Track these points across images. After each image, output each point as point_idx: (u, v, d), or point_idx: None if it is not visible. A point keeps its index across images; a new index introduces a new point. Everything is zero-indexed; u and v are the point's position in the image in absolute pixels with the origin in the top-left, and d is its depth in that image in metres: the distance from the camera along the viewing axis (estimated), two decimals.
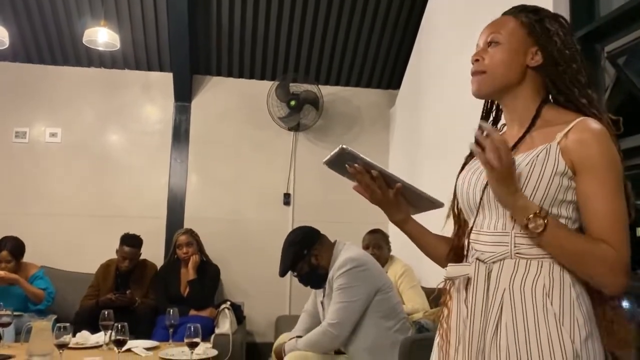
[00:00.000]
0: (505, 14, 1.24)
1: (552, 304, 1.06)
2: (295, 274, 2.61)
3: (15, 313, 3.02)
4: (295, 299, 4.55)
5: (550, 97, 1.21)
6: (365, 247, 3.56)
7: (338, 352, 2.50)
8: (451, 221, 1.33)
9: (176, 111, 4.74)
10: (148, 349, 2.77)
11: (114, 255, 3.94)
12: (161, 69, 4.71)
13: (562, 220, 1.10)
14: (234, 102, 4.81)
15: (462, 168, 1.30)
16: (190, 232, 3.99)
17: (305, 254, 2.56)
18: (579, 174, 1.07)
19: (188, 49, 4.39)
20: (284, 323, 3.73)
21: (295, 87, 4.63)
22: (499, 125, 1.30)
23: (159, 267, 4.07)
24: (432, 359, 1.26)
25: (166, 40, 4.48)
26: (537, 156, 1.09)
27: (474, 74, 1.21)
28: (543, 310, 1.06)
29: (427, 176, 3.92)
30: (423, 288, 3.43)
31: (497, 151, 1.02)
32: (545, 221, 1.03)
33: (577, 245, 1.05)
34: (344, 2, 4.32)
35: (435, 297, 1.28)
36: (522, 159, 1.11)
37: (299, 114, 4.63)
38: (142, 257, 3.99)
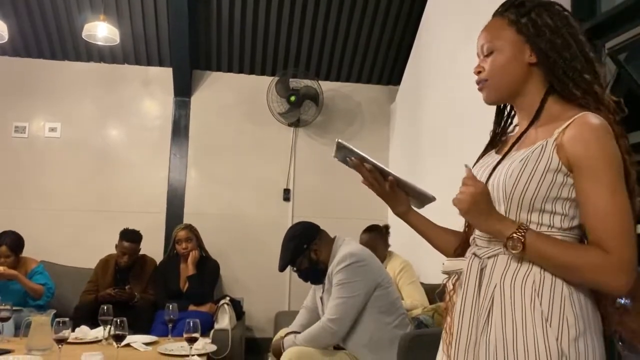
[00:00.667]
0: (494, 15, 1.23)
1: (540, 303, 1.05)
2: (295, 268, 2.61)
3: (15, 308, 3.02)
4: (295, 295, 4.55)
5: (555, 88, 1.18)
6: None
7: (337, 348, 2.51)
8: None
9: (176, 106, 4.74)
10: (147, 344, 2.77)
11: (113, 251, 3.94)
12: (161, 64, 4.70)
13: (557, 217, 1.08)
14: (233, 98, 4.81)
15: (476, 163, 1.30)
16: (190, 228, 3.99)
17: (305, 249, 2.56)
18: (575, 171, 1.06)
19: (188, 44, 4.38)
20: (283, 318, 3.73)
21: (295, 83, 4.62)
22: (512, 127, 1.29)
23: (158, 263, 4.07)
24: (439, 352, 1.25)
25: (166, 35, 4.47)
26: (532, 152, 1.08)
27: (478, 84, 1.22)
28: (531, 308, 1.05)
29: (427, 172, 3.92)
30: (422, 284, 3.43)
31: (469, 188, 1.08)
32: (523, 240, 1.04)
33: (562, 256, 1.04)
34: None
35: (440, 292, 1.28)
36: (518, 156, 1.11)
37: (299, 109, 4.63)
38: (141, 252, 3.99)
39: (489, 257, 1.13)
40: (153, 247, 4.24)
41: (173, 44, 4.45)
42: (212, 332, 3.38)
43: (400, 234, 3.66)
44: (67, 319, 2.29)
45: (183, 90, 4.71)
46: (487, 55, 1.19)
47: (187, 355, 2.46)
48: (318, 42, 4.61)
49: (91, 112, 4.66)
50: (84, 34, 3.73)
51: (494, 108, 1.31)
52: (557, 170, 1.06)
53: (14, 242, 3.69)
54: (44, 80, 4.59)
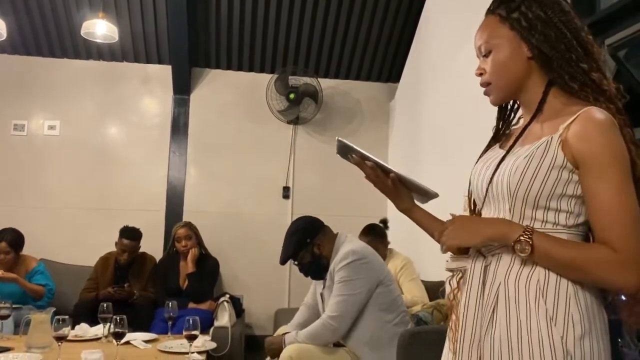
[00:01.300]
0: (486, 13, 1.21)
1: (545, 301, 1.04)
2: (297, 262, 2.60)
3: (14, 305, 3.02)
4: (294, 292, 4.55)
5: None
6: None
7: (337, 345, 2.51)
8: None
9: (175, 104, 4.73)
10: (147, 341, 2.77)
11: (113, 248, 3.94)
12: (160, 62, 4.69)
13: (563, 215, 1.07)
14: (233, 95, 4.80)
15: (480, 158, 1.28)
16: (189, 225, 3.99)
17: (308, 243, 2.56)
18: (581, 168, 1.04)
19: (187, 42, 4.37)
20: (283, 316, 3.73)
21: (295, 80, 4.62)
22: (516, 119, 1.28)
23: (158, 260, 4.08)
24: (445, 350, 1.24)
25: (165, 32, 4.46)
26: (537, 149, 1.07)
27: (482, 86, 1.21)
28: (535, 307, 1.04)
29: (427, 169, 3.92)
30: (422, 281, 3.43)
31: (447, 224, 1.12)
32: (531, 242, 1.02)
33: (569, 256, 1.02)
34: None
35: (444, 290, 1.28)
36: (523, 152, 1.09)
37: (298, 107, 4.62)
38: (141, 250, 3.99)
39: (492, 255, 1.12)
40: (152, 245, 4.24)
41: (172, 41, 4.44)
42: (211, 329, 3.39)
43: (400, 231, 3.66)
44: (66, 317, 2.29)
45: (182, 87, 4.70)
46: (485, 55, 1.18)
47: (187, 353, 2.46)
48: (317, 39, 4.61)
49: (90, 110, 4.66)
50: (82, 32, 3.72)
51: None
52: (562, 167, 1.05)
53: (14, 239, 3.69)
54: (42, 78, 4.59)
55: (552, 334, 1.02)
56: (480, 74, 1.20)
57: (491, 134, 1.30)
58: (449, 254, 1.20)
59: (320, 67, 4.80)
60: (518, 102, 1.25)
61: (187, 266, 3.84)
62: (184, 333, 2.40)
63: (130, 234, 3.89)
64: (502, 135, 1.28)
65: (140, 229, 3.95)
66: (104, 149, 4.63)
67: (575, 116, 1.06)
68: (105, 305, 2.70)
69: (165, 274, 3.91)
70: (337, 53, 4.74)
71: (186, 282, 3.82)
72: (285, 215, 4.67)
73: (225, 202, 4.70)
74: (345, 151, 1.28)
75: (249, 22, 4.45)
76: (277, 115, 4.66)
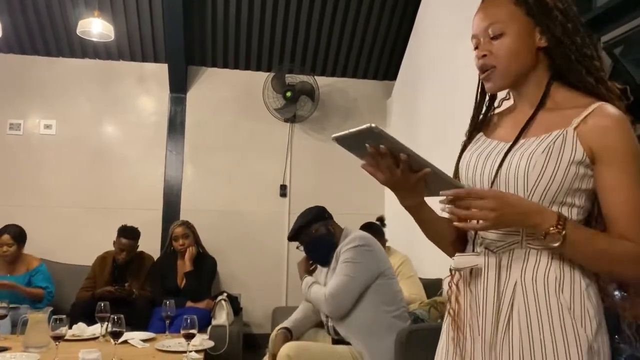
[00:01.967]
0: None
1: (564, 297, 1.03)
2: (305, 241, 2.62)
3: (12, 305, 3.01)
4: (292, 290, 4.56)
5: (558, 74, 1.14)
6: None
7: (338, 342, 2.51)
8: None
9: (171, 102, 4.72)
10: (144, 340, 2.77)
11: (110, 247, 3.94)
12: (156, 60, 4.68)
13: (575, 210, 1.06)
14: (229, 94, 4.79)
15: (462, 151, 1.23)
16: (187, 224, 3.98)
17: (326, 218, 2.65)
18: (599, 163, 1.02)
19: (183, 40, 4.37)
20: (281, 314, 3.73)
21: (291, 78, 4.61)
22: (495, 104, 1.23)
23: (155, 259, 4.07)
24: (442, 352, 1.20)
25: (161, 31, 4.45)
26: (554, 143, 1.04)
27: (483, 70, 1.13)
28: (557, 303, 1.03)
29: None
30: (420, 279, 3.44)
31: (487, 202, 0.98)
32: (564, 232, 0.98)
33: (597, 247, 1.01)
34: None
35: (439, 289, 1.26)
36: (536, 145, 1.05)
37: (295, 105, 4.62)
38: (138, 249, 3.99)
39: (504, 252, 1.09)
40: (150, 244, 4.23)
41: (168, 39, 4.43)
42: (209, 328, 3.38)
43: (397, 229, 3.67)
44: (64, 316, 2.28)
45: (178, 86, 4.69)
46: (494, 38, 1.10)
47: (185, 352, 2.46)
48: (314, 37, 4.60)
49: (86, 108, 4.64)
50: (78, 30, 3.71)
51: None
52: (580, 162, 1.03)
53: (17, 233, 3.73)
54: (38, 77, 4.57)
55: (577, 326, 1.02)
56: (484, 56, 1.11)
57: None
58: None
59: (317, 64, 4.80)
60: (511, 93, 1.20)
61: (185, 265, 3.84)
62: (182, 332, 2.40)
63: (129, 233, 3.88)
64: (481, 123, 1.24)
65: (138, 228, 3.95)
66: (101, 147, 4.62)
67: (590, 110, 1.04)
68: (102, 304, 2.70)
69: (162, 273, 3.91)
70: (334, 51, 4.73)
71: (184, 281, 3.81)
72: (282, 213, 4.67)
73: (222, 200, 4.70)
74: (360, 139, 1.04)
75: (245, 20, 4.44)
76: (273, 114, 4.65)
